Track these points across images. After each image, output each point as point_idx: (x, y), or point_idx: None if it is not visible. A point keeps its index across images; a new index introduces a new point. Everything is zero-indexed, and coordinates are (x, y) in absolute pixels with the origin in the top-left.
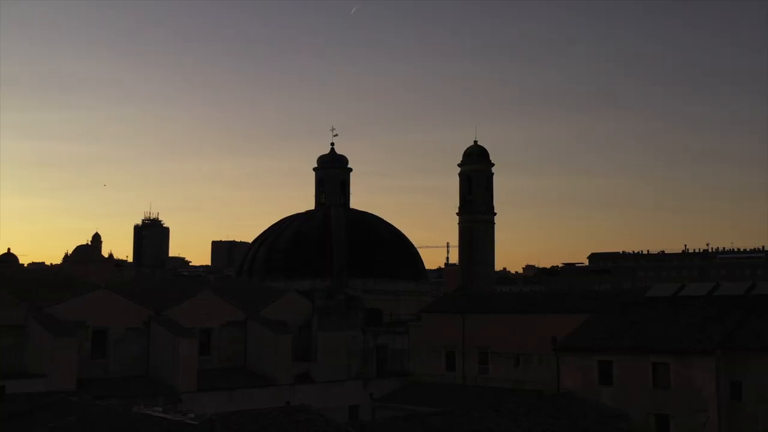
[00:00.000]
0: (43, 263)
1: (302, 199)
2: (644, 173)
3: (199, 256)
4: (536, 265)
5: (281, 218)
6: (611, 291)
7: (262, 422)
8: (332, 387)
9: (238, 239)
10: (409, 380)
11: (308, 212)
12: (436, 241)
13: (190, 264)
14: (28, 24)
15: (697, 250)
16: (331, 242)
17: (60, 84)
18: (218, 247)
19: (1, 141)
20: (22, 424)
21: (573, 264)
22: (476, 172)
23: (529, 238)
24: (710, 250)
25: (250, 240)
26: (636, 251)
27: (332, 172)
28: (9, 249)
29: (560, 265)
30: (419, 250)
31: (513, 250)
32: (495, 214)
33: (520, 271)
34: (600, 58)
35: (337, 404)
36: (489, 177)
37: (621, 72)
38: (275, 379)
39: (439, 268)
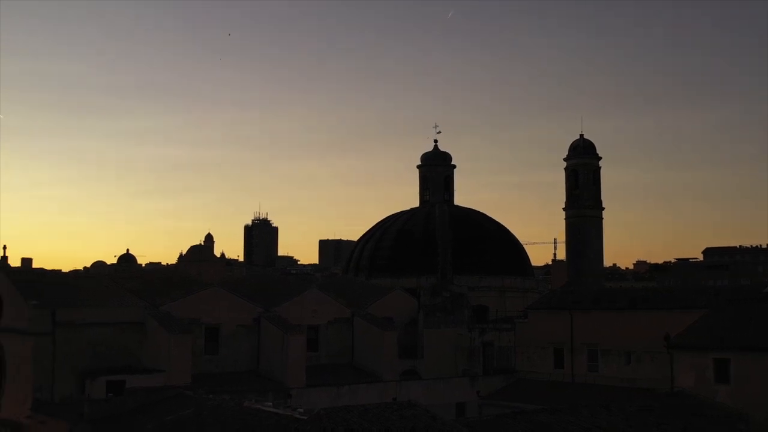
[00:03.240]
0: (160, 263)
1: (407, 196)
2: (762, 163)
3: (307, 254)
4: (647, 261)
5: (386, 216)
6: (727, 287)
7: (369, 417)
8: (439, 384)
9: (344, 238)
10: (516, 378)
11: (413, 210)
12: (542, 237)
13: (299, 263)
14: (143, 33)
15: None
16: (436, 239)
17: (173, 90)
18: (325, 245)
19: (120, 147)
20: (141, 417)
21: (686, 259)
22: (583, 166)
23: (640, 232)
24: None
25: (356, 238)
26: (754, 245)
27: (436, 170)
28: (128, 250)
29: (673, 261)
30: (525, 246)
31: (623, 245)
32: (603, 208)
33: (631, 267)
34: (711, 49)
35: (443, 401)
36: (596, 171)
37: (734, 61)
38: (381, 375)
39: (546, 265)
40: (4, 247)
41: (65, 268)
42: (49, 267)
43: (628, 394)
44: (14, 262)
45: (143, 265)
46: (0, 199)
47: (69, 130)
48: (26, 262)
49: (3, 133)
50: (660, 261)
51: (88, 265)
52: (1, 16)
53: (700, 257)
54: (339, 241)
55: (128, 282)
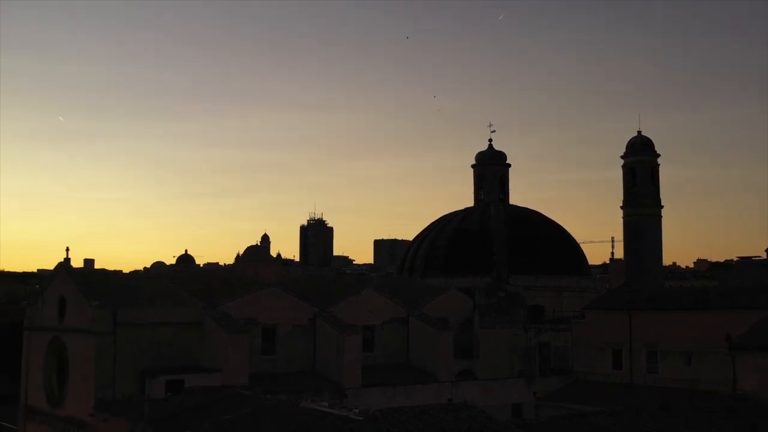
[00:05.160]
0: (217, 263)
1: (461, 196)
2: None
3: (362, 254)
4: (708, 260)
5: (441, 216)
6: None
7: (424, 418)
8: (495, 384)
9: (399, 237)
10: (574, 379)
11: (467, 209)
12: (599, 235)
13: (354, 262)
14: (202, 36)
15: None
16: (491, 239)
17: (230, 92)
18: (380, 245)
19: (178, 149)
20: (200, 416)
21: (749, 257)
22: (641, 164)
23: (700, 230)
24: None
25: (410, 238)
26: None
27: (490, 169)
28: (186, 250)
29: (735, 259)
30: (582, 245)
31: (683, 243)
32: (662, 206)
33: (691, 265)
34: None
35: (499, 402)
36: (654, 168)
37: None
38: (437, 375)
39: (604, 264)
40: (67, 249)
41: (126, 269)
42: (110, 268)
43: (689, 396)
44: (77, 263)
45: (201, 266)
46: (62, 202)
47: (129, 133)
48: (88, 263)
49: (64, 136)
50: (721, 259)
51: (148, 266)
52: (65, 21)
53: (763, 255)
54: (394, 241)
55: (187, 282)
